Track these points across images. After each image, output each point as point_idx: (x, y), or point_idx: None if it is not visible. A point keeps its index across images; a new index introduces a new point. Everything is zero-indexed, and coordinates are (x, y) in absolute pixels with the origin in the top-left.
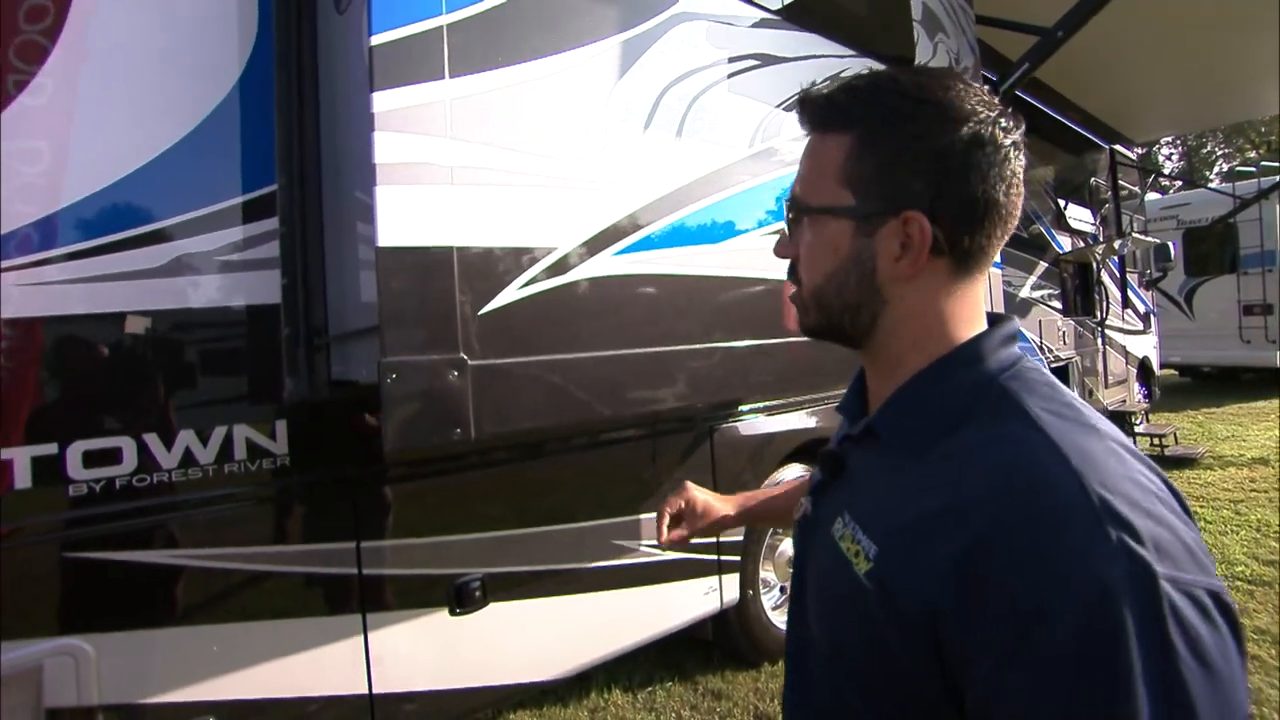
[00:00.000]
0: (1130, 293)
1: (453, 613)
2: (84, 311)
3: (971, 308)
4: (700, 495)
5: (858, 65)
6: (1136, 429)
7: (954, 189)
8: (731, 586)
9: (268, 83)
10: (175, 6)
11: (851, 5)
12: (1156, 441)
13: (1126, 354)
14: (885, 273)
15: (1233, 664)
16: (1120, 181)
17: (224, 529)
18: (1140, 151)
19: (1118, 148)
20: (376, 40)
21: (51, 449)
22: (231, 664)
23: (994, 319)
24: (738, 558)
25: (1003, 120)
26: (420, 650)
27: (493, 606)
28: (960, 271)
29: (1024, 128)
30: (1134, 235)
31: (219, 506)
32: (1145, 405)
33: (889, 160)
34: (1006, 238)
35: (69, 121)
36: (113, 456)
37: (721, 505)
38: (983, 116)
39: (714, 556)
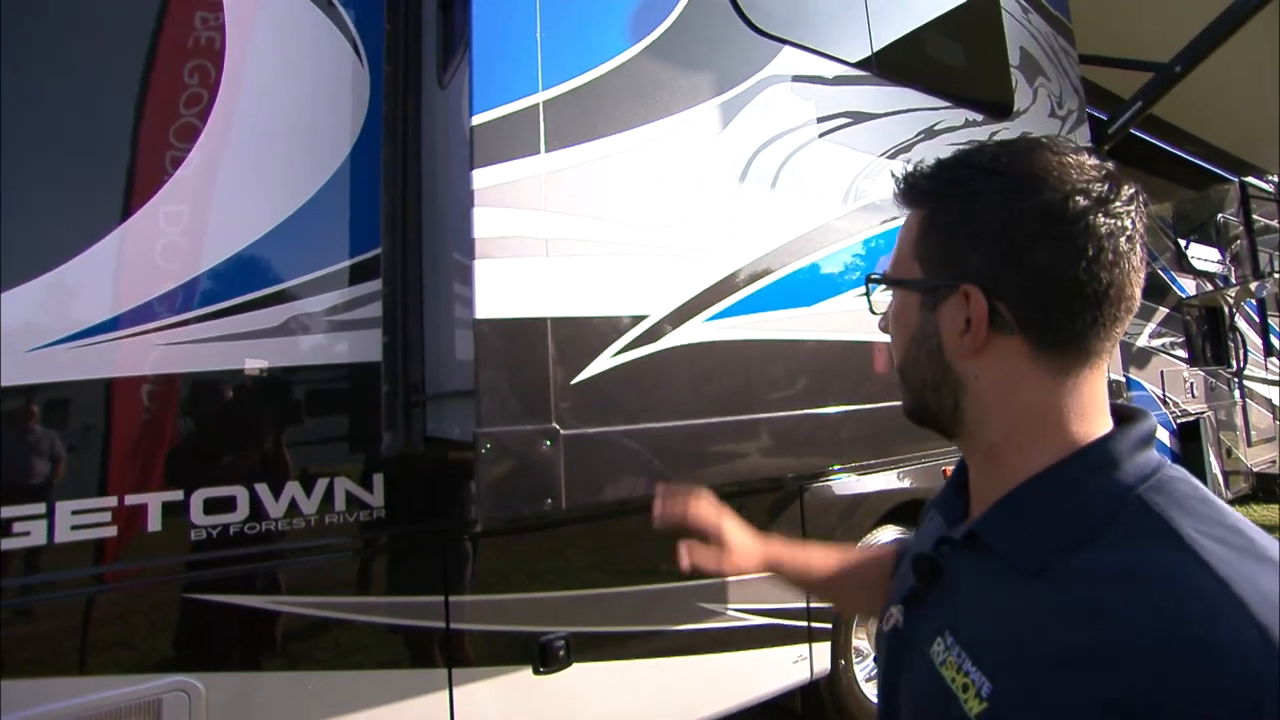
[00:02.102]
0: (1274, 338)
1: (536, 671)
2: (209, 369)
3: (1086, 402)
4: (732, 537)
5: (953, 117)
6: None
7: (1017, 264)
8: (822, 656)
9: (375, 152)
10: (300, 83)
11: (944, 56)
12: None
13: (1274, 408)
14: (951, 349)
15: None
16: (1255, 216)
17: (322, 577)
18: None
19: (1250, 179)
20: (477, 120)
21: (178, 495)
22: (324, 710)
23: (1123, 415)
24: (829, 625)
25: (1094, 189)
26: (503, 708)
27: (576, 666)
28: (1048, 356)
29: (1132, 196)
30: (1275, 275)
31: (319, 556)
32: None
33: (949, 233)
34: (1118, 324)
35: (211, 193)
36: (229, 505)
37: (747, 552)
38: (1061, 188)
39: (804, 623)
